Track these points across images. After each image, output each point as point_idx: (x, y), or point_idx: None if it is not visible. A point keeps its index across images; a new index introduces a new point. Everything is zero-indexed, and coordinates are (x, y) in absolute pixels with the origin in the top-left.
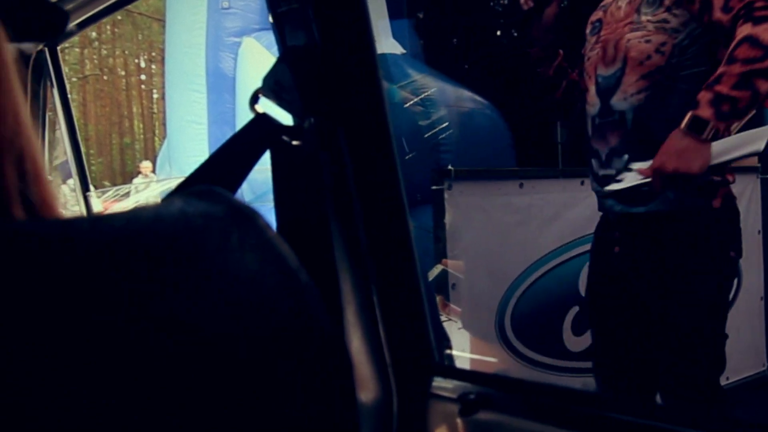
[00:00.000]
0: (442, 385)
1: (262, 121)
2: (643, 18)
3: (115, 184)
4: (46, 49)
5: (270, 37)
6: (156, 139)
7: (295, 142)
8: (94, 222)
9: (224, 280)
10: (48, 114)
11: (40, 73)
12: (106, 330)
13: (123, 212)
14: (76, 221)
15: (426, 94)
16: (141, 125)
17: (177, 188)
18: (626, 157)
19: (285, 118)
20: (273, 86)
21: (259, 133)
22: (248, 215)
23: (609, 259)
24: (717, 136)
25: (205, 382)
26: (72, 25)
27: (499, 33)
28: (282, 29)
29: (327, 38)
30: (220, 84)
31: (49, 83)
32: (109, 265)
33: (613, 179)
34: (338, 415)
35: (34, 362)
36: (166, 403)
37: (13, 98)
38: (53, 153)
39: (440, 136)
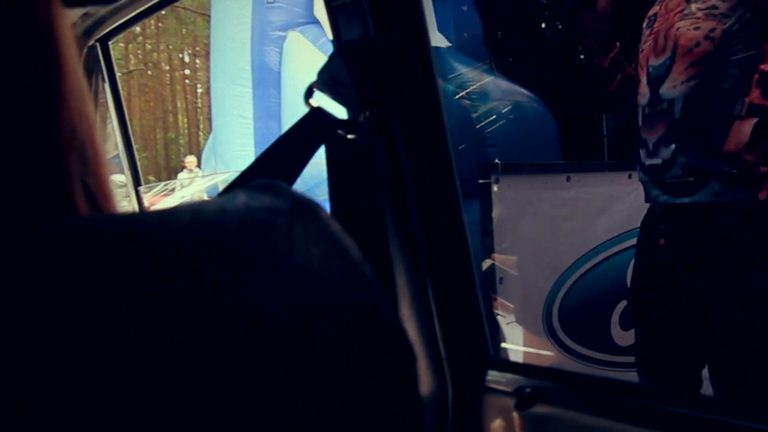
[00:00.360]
0: (497, 378)
1: (316, 115)
2: (693, 6)
3: (160, 179)
4: (98, 44)
5: (315, 31)
6: (200, 133)
7: (350, 136)
8: (161, 217)
9: (291, 274)
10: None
11: (92, 69)
12: (181, 325)
13: (187, 206)
14: (144, 217)
15: (472, 87)
16: (185, 120)
17: (235, 182)
18: (673, 146)
19: (339, 111)
20: (328, 80)
21: (314, 127)
22: (311, 208)
23: (654, 251)
24: (765, 114)
25: (276, 375)
26: (118, 23)
27: (544, 25)
28: (337, 23)
29: (382, 31)
30: (266, 78)
31: (100, 78)
32: (182, 260)
33: (659, 168)
34: (405, 409)
35: (110, 357)
36: (240, 399)
37: (76, 81)
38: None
39: (487, 130)
